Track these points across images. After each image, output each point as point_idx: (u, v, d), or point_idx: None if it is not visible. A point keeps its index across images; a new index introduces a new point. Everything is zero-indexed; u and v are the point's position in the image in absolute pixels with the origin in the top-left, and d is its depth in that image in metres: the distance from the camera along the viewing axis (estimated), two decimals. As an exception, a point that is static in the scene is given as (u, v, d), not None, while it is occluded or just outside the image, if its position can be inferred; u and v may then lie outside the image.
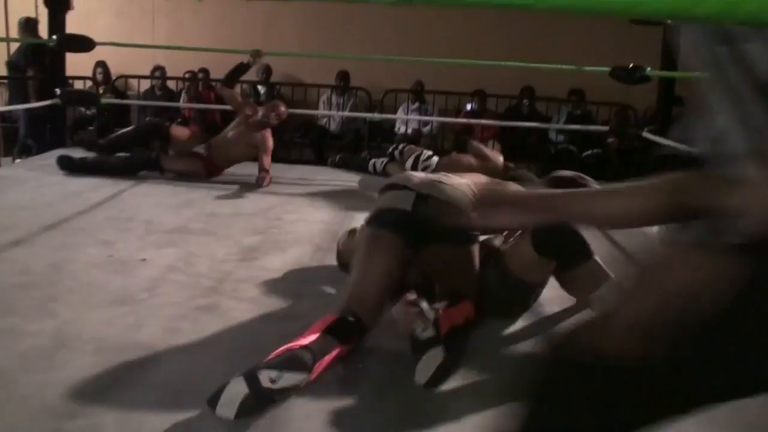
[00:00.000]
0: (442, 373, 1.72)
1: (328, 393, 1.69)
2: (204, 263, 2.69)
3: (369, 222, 2.06)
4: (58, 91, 4.42)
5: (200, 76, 7.22)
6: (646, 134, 4.28)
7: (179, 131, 4.35)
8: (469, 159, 4.11)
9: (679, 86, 4.88)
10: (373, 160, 4.64)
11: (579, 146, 6.43)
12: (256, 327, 2.10)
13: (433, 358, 1.71)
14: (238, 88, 4.48)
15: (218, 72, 7.17)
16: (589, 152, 6.30)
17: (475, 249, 2.15)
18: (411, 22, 7.19)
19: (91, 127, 7.03)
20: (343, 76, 7.03)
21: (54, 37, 4.32)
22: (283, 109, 4.40)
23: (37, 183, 3.95)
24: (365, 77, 7.16)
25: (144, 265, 2.63)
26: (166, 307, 2.23)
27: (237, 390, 1.52)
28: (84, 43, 4.35)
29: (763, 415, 1.55)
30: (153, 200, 3.73)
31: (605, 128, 5.13)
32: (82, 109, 6.91)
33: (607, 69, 4.02)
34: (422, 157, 4.03)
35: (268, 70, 7.18)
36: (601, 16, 5.77)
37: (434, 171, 4.03)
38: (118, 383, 1.70)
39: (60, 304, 2.18)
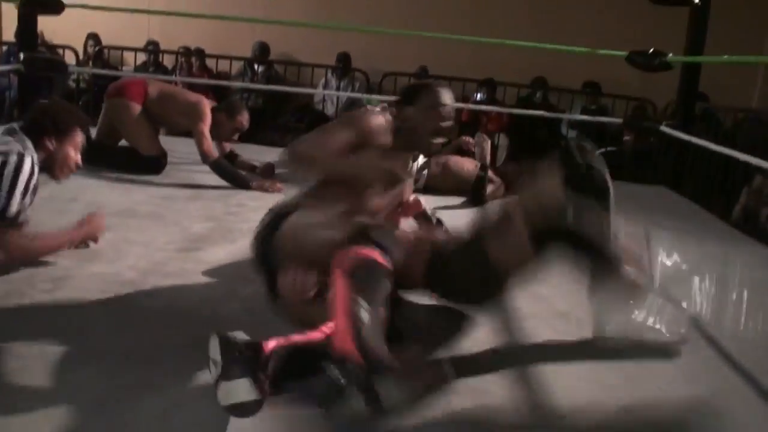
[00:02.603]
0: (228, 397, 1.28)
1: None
2: (135, 252, 2.32)
3: None
4: (21, 55, 4.05)
5: (194, 58, 6.80)
6: (663, 128, 3.84)
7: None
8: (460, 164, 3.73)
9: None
10: None
11: (593, 143, 5.98)
12: (159, 332, 1.72)
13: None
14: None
15: (215, 49, 6.82)
16: (603, 150, 5.84)
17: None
18: (418, 5, 6.77)
19: (80, 102, 6.72)
20: (344, 58, 6.61)
21: (19, -3, 3.95)
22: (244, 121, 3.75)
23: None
24: (366, 60, 6.74)
25: (65, 251, 2.26)
26: (67, 304, 1.86)
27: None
28: (52, 5, 3.98)
29: None
30: (106, 178, 3.35)
31: (618, 120, 4.68)
32: (71, 82, 6.60)
33: (623, 54, 3.58)
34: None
35: (264, 48, 6.77)
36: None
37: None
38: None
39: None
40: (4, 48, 6.62)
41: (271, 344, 1.33)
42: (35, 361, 1.50)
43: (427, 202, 2.33)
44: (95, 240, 2.28)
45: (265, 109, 6.43)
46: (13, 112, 5.83)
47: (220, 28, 6.26)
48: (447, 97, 2.06)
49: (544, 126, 6.18)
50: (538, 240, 1.61)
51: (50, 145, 2.11)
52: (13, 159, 1.95)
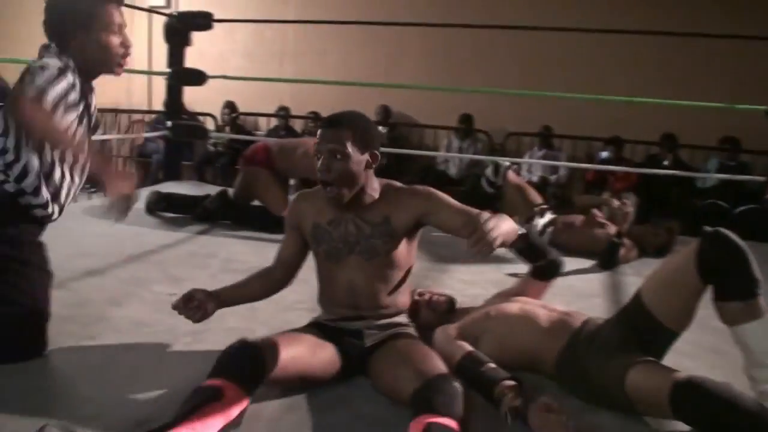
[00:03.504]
0: None
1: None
2: (266, 309, 2.41)
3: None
4: (169, 123, 4.42)
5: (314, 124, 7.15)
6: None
7: None
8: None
9: None
10: None
11: (732, 203, 5.61)
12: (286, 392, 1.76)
13: None
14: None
15: (341, 113, 7.14)
16: (743, 208, 5.48)
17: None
18: (542, 64, 6.75)
19: (217, 165, 7.20)
20: (466, 119, 6.68)
21: (169, 70, 4.34)
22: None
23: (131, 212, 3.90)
24: (489, 121, 6.77)
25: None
26: (204, 357, 1.95)
27: None
28: (197, 77, 4.34)
29: None
30: (241, 236, 3.54)
31: (761, 178, 4.38)
32: (210, 146, 7.11)
33: (764, 108, 3.39)
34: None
35: (385, 111, 7.00)
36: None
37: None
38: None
39: (93, 344, 1.97)
40: (153, 116, 7.27)
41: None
42: (169, 411, 1.57)
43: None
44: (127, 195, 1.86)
45: (391, 168, 6.59)
46: (159, 173, 6.36)
47: (345, 93, 6.54)
48: (319, 137, 1.86)
49: (677, 183, 5.90)
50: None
51: (77, 45, 1.69)
52: (53, 69, 1.65)
